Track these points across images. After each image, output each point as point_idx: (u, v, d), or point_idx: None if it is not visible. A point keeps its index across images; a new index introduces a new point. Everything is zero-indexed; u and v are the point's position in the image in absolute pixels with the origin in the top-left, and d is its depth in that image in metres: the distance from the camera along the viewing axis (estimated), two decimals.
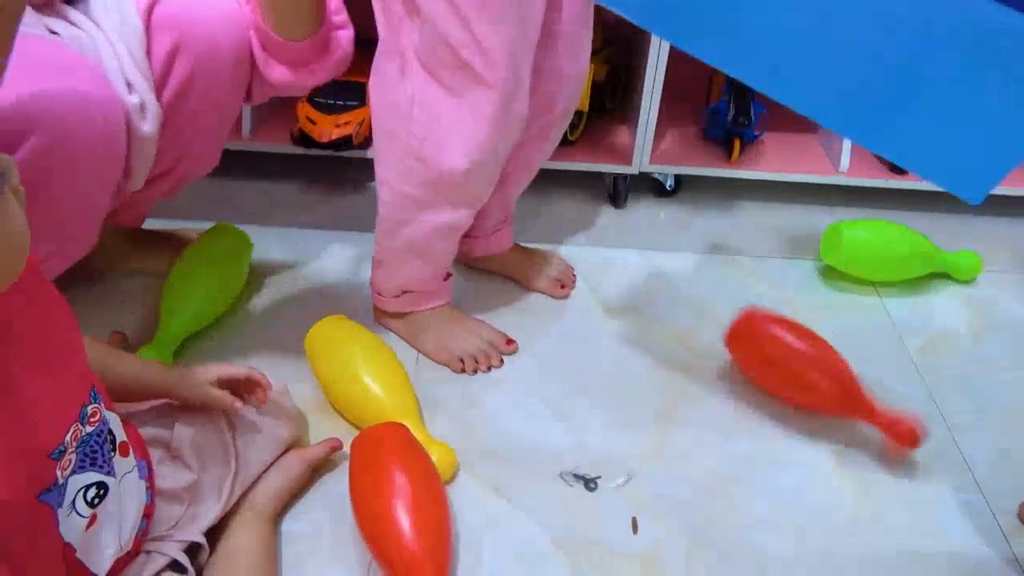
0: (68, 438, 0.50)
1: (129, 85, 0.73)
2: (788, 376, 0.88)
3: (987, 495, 0.81)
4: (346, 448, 0.78)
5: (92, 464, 0.53)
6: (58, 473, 0.50)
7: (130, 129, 0.74)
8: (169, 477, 0.66)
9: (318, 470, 0.79)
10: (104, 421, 0.55)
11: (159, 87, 0.76)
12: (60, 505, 0.50)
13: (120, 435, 0.57)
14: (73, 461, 0.51)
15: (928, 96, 0.52)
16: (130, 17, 0.73)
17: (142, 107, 0.74)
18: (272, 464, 0.75)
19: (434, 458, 0.76)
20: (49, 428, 0.49)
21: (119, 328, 0.92)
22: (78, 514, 0.51)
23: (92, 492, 0.52)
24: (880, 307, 1.07)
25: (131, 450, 0.59)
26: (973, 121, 0.51)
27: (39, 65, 0.66)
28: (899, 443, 0.83)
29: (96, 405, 0.54)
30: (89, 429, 0.52)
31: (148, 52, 0.74)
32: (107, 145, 0.72)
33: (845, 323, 1.03)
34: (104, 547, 0.54)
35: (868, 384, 0.94)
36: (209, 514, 0.67)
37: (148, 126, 0.75)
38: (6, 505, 0.46)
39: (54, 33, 0.72)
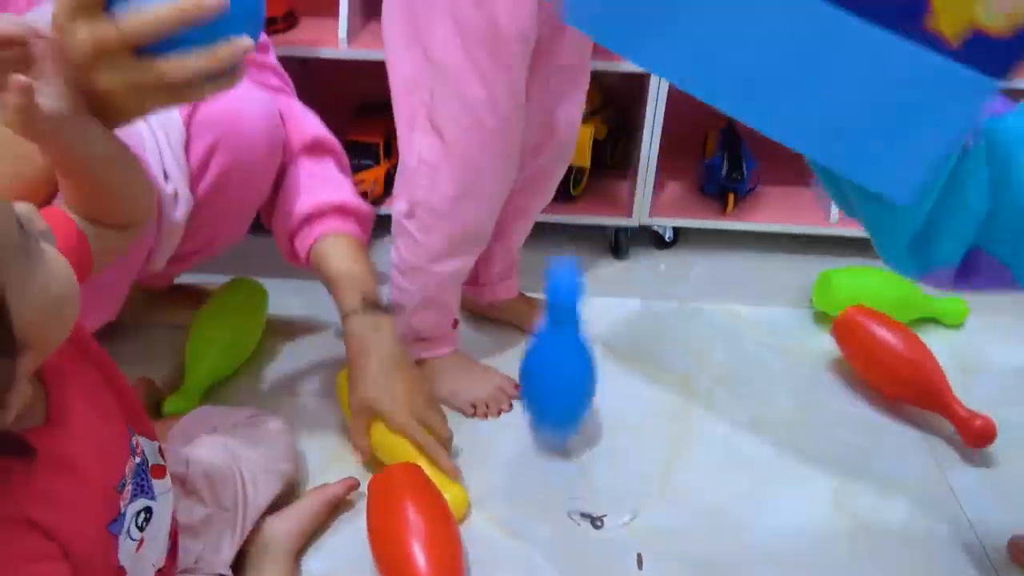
0: (127, 470, 0.55)
1: (166, 175, 0.77)
2: (885, 371, 1.00)
3: (978, 531, 0.85)
4: (364, 487, 0.82)
5: (142, 491, 0.57)
6: (121, 504, 0.54)
7: (161, 215, 0.77)
8: (185, 511, 0.70)
9: (337, 508, 0.83)
10: (143, 450, 0.59)
11: (196, 179, 0.80)
12: (120, 532, 0.54)
13: (154, 459, 0.61)
14: (130, 491, 0.55)
15: (833, 92, 0.54)
16: (173, 115, 0.78)
17: (175, 196, 0.78)
18: (280, 498, 0.78)
19: (448, 497, 0.80)
20: (115, 464, 0.54)
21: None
22: (131, 538, 0.55)
23: (141, 517, 0.56)
24: None
25: (166, 472, 0.62)
26: (883, 117, 0.53)
27: None
28: (971, 441, 0.93)
29: (136, 437, 0.58)
30: (137, 460, 0.57)
31: (187, 148, 0.78)
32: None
33: (838, 367, 1.08)
34: (146, 567, 0.58)
35: (862, 425, 0.98)
36: (229, 548, 0.70)
37: (179, 213, 0.79)
38: (88, 538, 0.50)
39: None
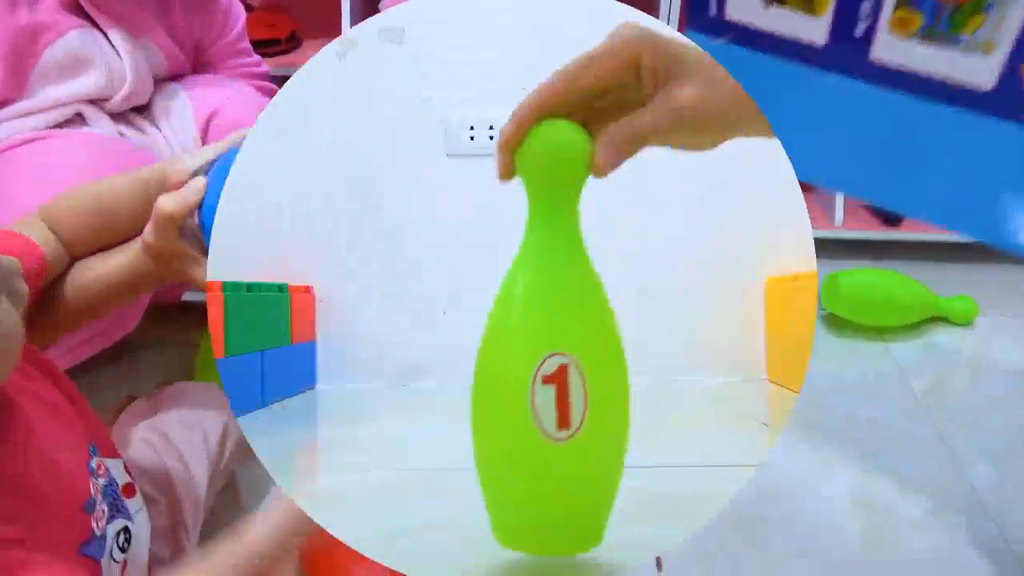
0: (93, 491, 0.53)
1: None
2: None
3: (999, 525, 0.84)
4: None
5: (118, 512, 0.55)
6: (94, 525, 0.52)
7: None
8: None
9: None
10: (108, 470, 0.57)
11: None
12: (102, 556, 0.52)
13: (122, 479, 0.60)
14: (105, 512, 0.54)
15: (943, 165, 0.62)
16: (188, 125, 0.80)
17: None
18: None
19: None
20: (73, 484, 0.52)
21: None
22: (114, 561, 0.54)
23: (122, 538, 0.55)
24: (885, 351, 1.12)
25: (136, 490, 0.61)
26: (987, 180, 0.61)
27: (110, 162, 0.73)
28: None
29: (98, 459, 0.57)
30: (102, 481, 0.55)
31: None
32: None
33: (853, 367, 1.08)
34: None
35: (878, 424, 0.98)
36: (188, 540, 0.69)
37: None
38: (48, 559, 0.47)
39: (122, 135, 0.79)
